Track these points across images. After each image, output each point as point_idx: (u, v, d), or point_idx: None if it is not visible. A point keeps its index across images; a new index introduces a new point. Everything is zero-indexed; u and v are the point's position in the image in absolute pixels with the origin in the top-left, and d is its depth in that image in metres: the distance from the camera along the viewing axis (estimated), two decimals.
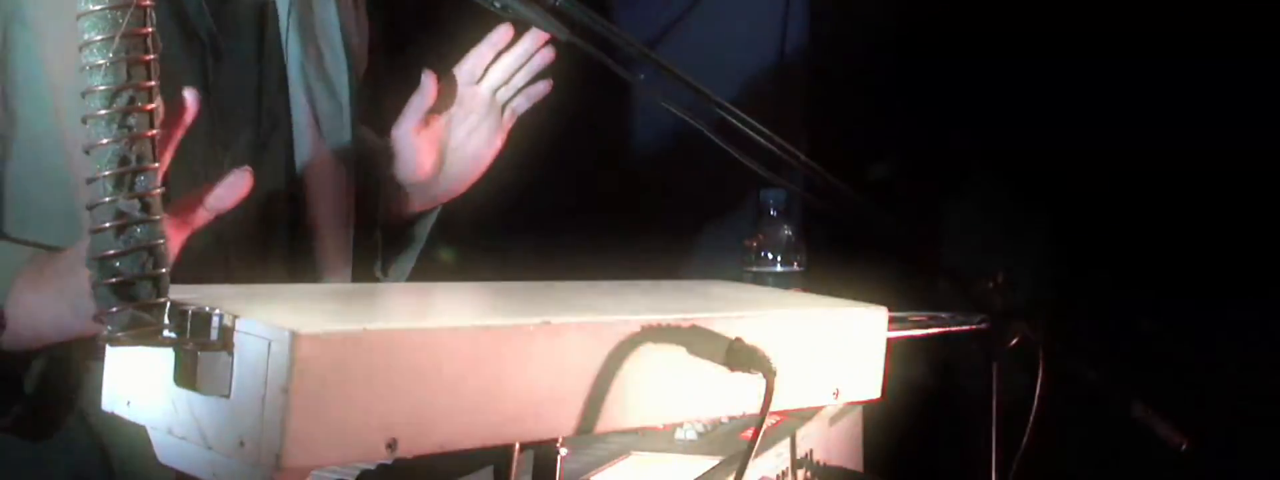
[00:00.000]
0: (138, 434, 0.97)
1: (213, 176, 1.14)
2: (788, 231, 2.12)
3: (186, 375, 0.90)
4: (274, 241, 1.57)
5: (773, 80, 2.96)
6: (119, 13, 0.87)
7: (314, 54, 1.61)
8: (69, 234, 1.27)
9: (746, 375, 1.04)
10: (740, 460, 1.06)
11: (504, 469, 1.02)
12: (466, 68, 1.59)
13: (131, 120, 0.89)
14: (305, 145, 1.59)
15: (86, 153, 0.89)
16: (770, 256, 2.11)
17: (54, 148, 1.31)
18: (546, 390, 0.97)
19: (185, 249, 1.16)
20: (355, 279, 1.66)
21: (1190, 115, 2.51)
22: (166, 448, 0.93)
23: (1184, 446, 1.72)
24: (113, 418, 0.98)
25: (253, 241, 1.53)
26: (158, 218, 0.90)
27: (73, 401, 1.35)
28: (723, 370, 1.05)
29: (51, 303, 1.20)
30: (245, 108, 1.53)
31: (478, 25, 1.58)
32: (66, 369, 1.31)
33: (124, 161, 0.88)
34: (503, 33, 1.57)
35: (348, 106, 1.65)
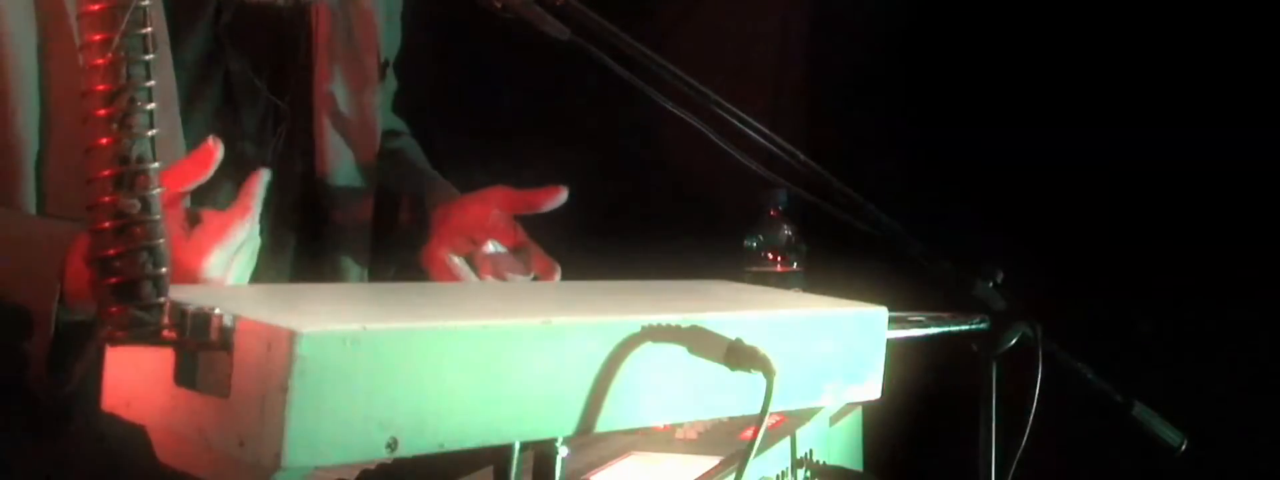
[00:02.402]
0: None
1: (232, 183, 1.15)
2: (788, 231, 2.11)
3: (186, 375, 0.90)
4: (292, 247, 1.59)
5: (773, 80, 2.96)
6: (118, 12, 0.87)
7: (341, 63, 1.63)
8: None
9: (746, 375, 1.04)
10: (740, 460, 1.06)
11: (504, 469, 1.02)
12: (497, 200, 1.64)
13: (131, 120, 0.89)
14: (327, 152, 1.60)
15: (86, 153, 0.89)
16: (770, 256, 2.11)
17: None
18: (546, 390, 0.97)
19: None
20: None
21: (1190, 115, 2.51)
22: (166, 448, 0.93)
23: (1182, 447, 1.72)
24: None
25: (272, 248, 1.55)
26: (158, 217, 0.89)
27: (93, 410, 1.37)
28: (723, 370, 1.05)
29: None
30: (269, 114, 1.55)
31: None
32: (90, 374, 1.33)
33: (124, 161, 0.88)
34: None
35: (374, 114, 1.68)
